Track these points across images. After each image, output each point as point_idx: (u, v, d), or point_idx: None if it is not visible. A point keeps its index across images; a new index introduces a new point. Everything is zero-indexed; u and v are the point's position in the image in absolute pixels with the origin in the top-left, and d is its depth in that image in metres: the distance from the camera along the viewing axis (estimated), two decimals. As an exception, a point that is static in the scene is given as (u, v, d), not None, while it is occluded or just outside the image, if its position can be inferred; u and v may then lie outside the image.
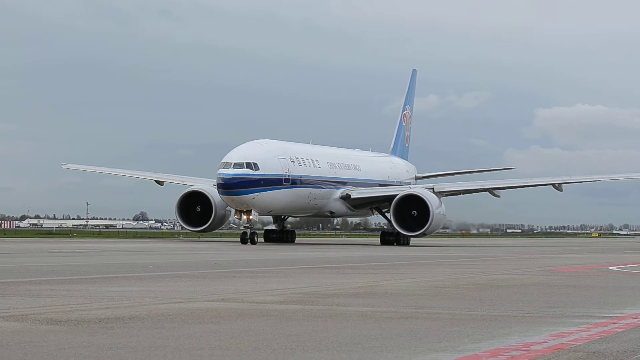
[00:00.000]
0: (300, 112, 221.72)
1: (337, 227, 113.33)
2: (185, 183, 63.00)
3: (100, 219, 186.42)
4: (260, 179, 51.72)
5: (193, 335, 8.40)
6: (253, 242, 50.98)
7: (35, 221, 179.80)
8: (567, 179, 60.38)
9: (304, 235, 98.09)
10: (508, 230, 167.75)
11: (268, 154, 53.27)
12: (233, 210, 54.71)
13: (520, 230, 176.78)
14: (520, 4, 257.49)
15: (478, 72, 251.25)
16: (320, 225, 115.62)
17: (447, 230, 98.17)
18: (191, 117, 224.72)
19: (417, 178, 72.56)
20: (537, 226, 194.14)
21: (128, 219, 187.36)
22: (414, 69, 79.43)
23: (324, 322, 9.70)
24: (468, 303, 12.52)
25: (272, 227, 63.32)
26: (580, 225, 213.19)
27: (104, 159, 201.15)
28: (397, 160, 73.27)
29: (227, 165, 51.66)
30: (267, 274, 19.46)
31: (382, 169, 68.14)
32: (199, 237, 69.17)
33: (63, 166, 71.06)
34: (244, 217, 52.10)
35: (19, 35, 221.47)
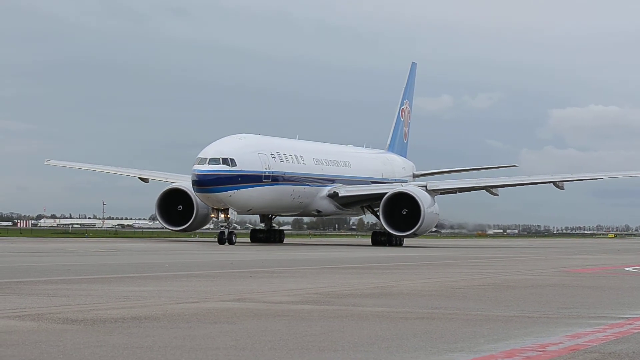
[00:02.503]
0: (309, 111, 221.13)
1: (354, 227, 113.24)
2: (168, 180, 60.03)
3: (116, 218, 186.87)
4: (237, 176, 48.77)
5: (209, 335, 8.42)
6: (231, 242, 48.05)
7: (51, 221, 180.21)
8: (567, 176, 57.44)
9: (320, 235, 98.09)
10: (508, 231, 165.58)
11: (246, 149, 50.31)
12: None
13: (516, 231, 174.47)
14: (534, 3, 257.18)
15: (491, 72, 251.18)
16: (337, 225, 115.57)
17: (463, 231, 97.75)
18: (202, 116, 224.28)
19: (415, 175, 69.14)
20: (553, 227, 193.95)
21: (144, 219, 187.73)
22: (413, 62, 75.68)
23: (340, 322, 9.70)
24: (483, 303, 12.50)
25: (256, 226, 60.94)
26: (596, 226, 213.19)
27: (115, 158, 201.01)
28: (393, 156, 69.72)
29: (202, 161, 48.81)
30: (284, 274, 19.45)
31: (375, 166, 64.86)
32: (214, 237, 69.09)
33: (46, 162, 69.19)
34: (221, 215, 49.27)
35: (32, 34, 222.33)
